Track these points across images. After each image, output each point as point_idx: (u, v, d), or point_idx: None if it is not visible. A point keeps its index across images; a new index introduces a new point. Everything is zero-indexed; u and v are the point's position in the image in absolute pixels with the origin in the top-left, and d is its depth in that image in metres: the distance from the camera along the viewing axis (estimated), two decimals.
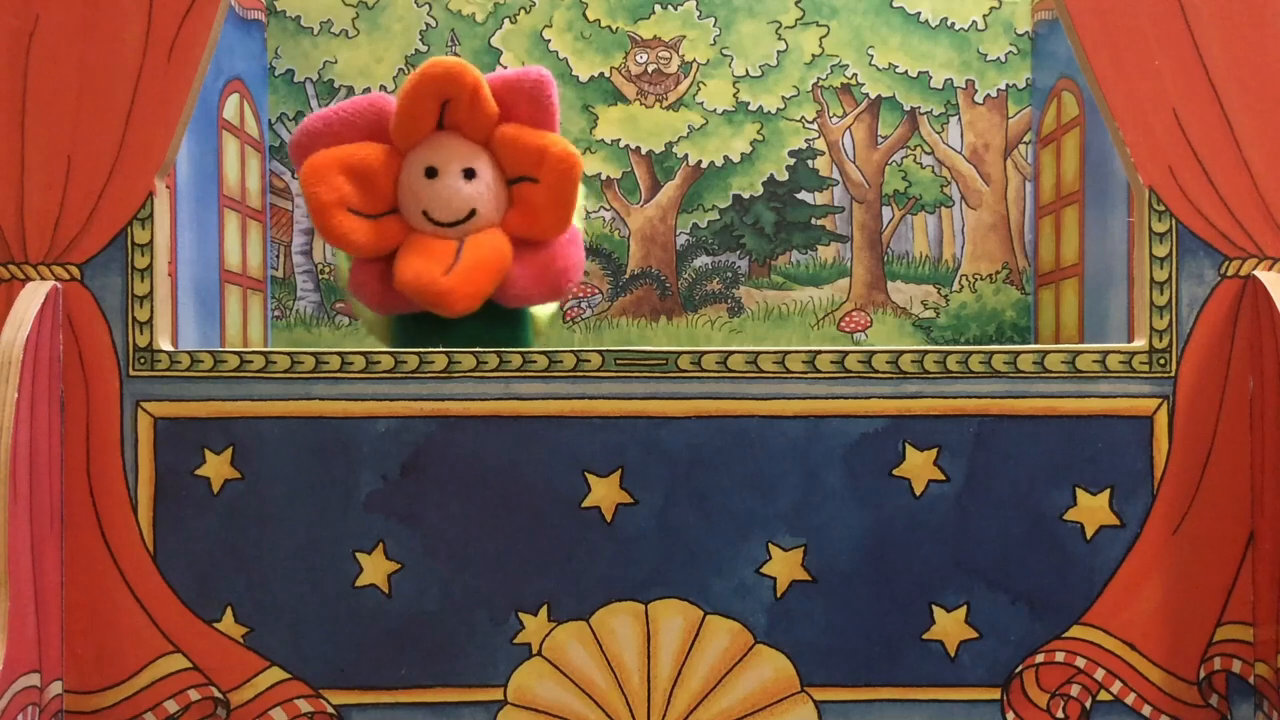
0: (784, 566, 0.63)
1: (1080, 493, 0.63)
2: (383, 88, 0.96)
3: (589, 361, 0.63)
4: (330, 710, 0.63)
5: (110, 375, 0.63)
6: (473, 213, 0.68)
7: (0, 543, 0.57)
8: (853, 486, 0.63)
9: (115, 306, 0.63)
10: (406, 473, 0.63)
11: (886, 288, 0.97)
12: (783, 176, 0.97)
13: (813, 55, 0.97)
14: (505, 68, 0.96)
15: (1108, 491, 0.63)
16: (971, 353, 0.63)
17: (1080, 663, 0.63)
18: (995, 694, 0.63)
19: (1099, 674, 0.63)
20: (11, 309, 0.61)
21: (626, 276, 0.97)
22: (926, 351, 0.63)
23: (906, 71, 0.97)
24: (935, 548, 0.63)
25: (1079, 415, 0.63)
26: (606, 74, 0.97)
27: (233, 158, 0.88)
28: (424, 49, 0.96)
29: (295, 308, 0.97)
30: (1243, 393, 0.63)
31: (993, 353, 0.63)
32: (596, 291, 0.97)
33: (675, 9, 0.97)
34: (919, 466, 0.63)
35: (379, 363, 0.63)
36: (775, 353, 0.63)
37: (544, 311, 0.76)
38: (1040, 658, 0.63)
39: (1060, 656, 0.63)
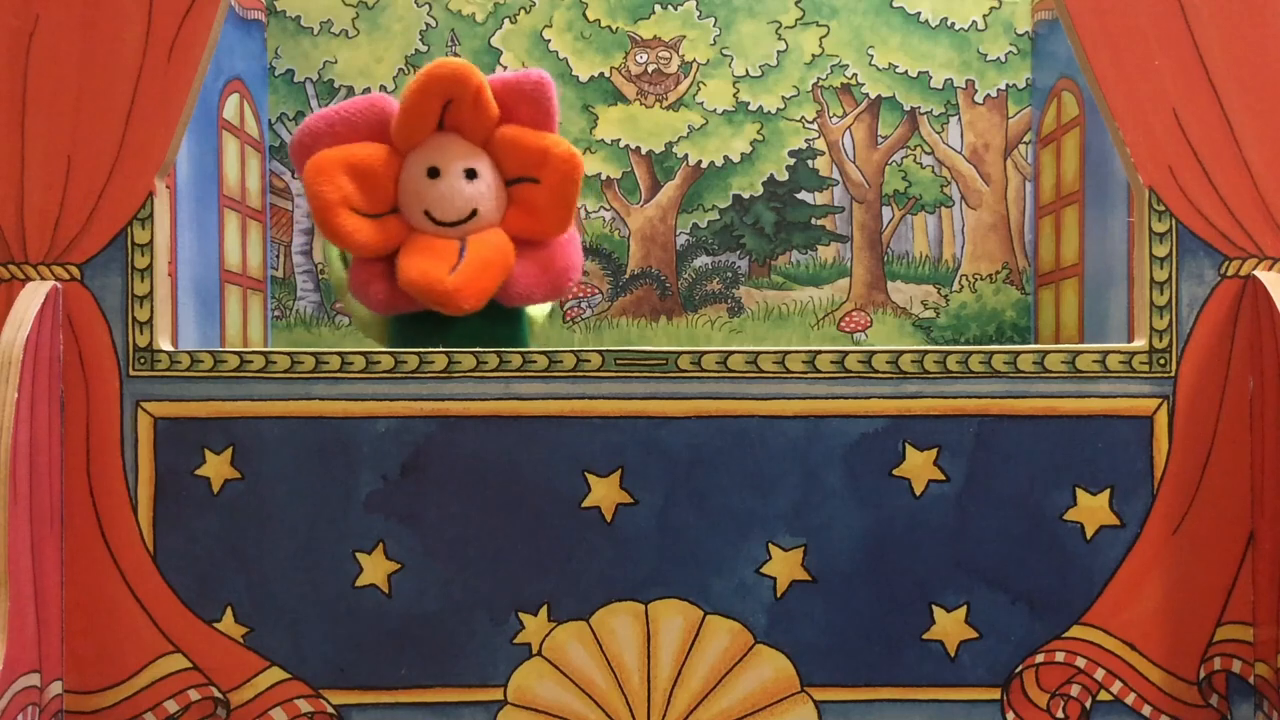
0: (784, 566, 0.63)
1: (1080, 493, 0.63)
2: (383, 88, 0.96)
3: (589, 361, 0.63)
4: (330, 710, 0.63)
5: (110, 375, 0.63)
6: (474, 212, 0.68)
7: (0, 543, 0.57)
8: (853, 486, 0.63)
9: (115, 306, 0.63)
10: (406, 473, 0.63)
11: (886, 288, 0.97)
12: (783, 176, 0.97)
13: (813, 55, 0.97)
14: (505, 68, 0.96)
15: (1108, 491, 0.63)
16: (971, 353, 0.63)
17: (1080, 663, 0.63)
18: (995, 694, 0.63)
19: (1099, 674, 0.63)
20: (11, 309, 0.61)
21: (626, 276, 0.97)
22: (926, 351, 0.63)
23: (906, 71, 0.97)
24: (935, 548, 0.63)
25: (1079, 415, 0.63)
26: (606, 74, 0.97)
27: (233, 158, 0.88)
28: (424, 49, 0.96)
29: (295, 308, 0.97)
30: (1243, 393, 0.63)
31: (993, 353, 0.63)
32: (596, 291, 0.97)
33: (675, 9, 0.97)
34: (919, 466, 0.63)
35: (379, 363, 0.63)
36: (775, 353, 0.63)
37: (539, 311, 0.76)
38: (1040, 658, 0.63)
39: (1060, 656, 0.63)
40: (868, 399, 0.63)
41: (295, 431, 0.63)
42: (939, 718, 0.63)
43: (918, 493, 0.63)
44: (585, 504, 0.63)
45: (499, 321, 0.70)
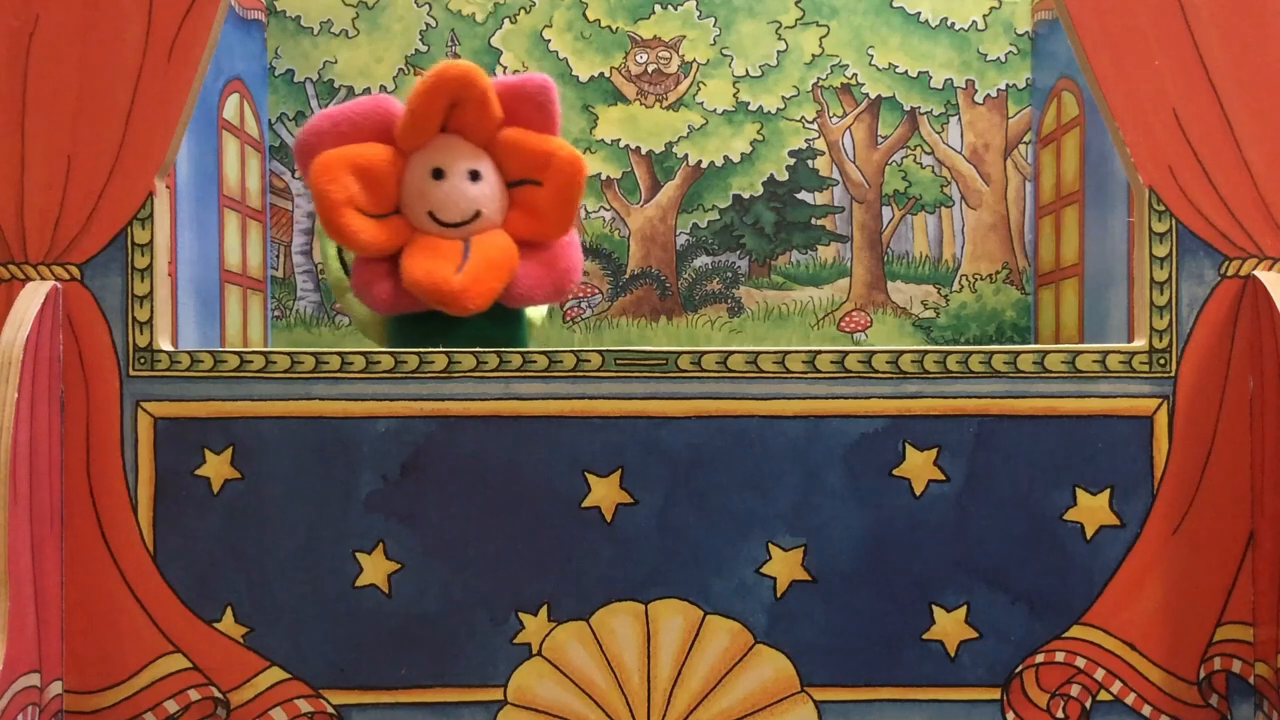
0: (784, 566, 0.63)
1: (1080, 493, 0.63)
2: (383, 88, 0.96)
3: (589, 361, 0.63)
4: (330, 710, 0.63)
5: (110, 375, 0.63)
6: (478, 214, 0.68)
7: (0, 543, 0.57)
8: (853, 486, 0.63)
9: (115, 306, 0.63)
10: (406, 473, 0.63)
11: (886, 288, 0.97)
12: (783, 176, 0.97)
13: (813, 55, 0.97)
14: (505, 68, 0.96)
15: (1108, 491, 0.63)
16: (971, 353, 0.63)
17: (1080, 663, 0.63)
18: (995, 694, 0.63)
19: (1099, 674, 0.63)
20: (11, 309, 0.61)
21: (626, 276, 0.97)
22: (926, 351, 0.63)
23: (906, 71, 0.97)
24: (935, 548, 0.63)
25: (1079, 415, 0.63)
26: (606, 74, 0.97)
27: (233, 158, 0.88)
28: (424, 49, 0.96)
29: (295, 308, 0.97)
30: (1243, 393, 0.63)
31: (993, 353, 0.63)
32: (596, 291, 0.97)
33: (675, 9, 0.97)
34: (919, 466, 0.63)
35: (379, 363, 0.63)
36: (775, 353, 0.63)
37: (538, 313, 0.77)
38: (1040, 658, 0.63)
39: (1060, 656, 0.63)
40: (868, 399, 0.63)
41: (295, 431, 0.63)
42: (939, 718, 0.63)
43: (918, 493, 0.63)
44: (585, 504, 0.63)
45: (500, 323, 0.70)
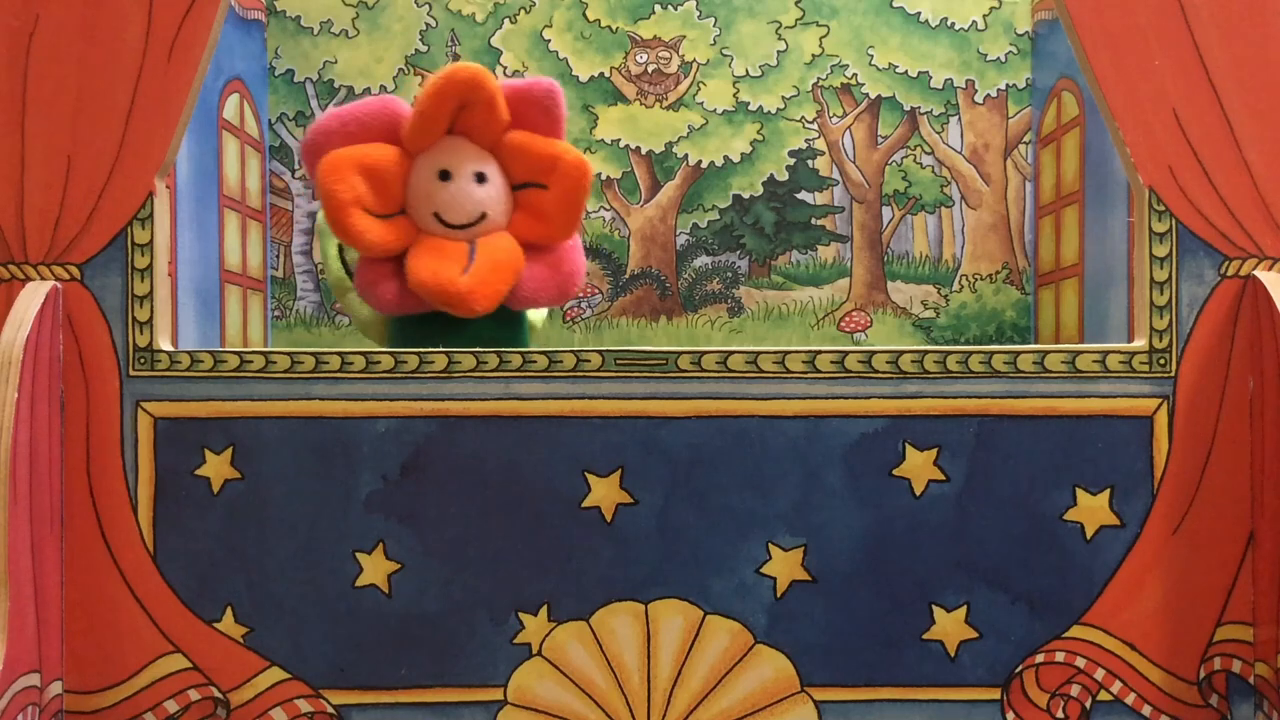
0: (784, 566, 0.63)
1: (1080, 493, 0.63)
2: (383, 88, 0.96)
3: (589, 361, 0.63)
4: (330, 710, 0.63)
5: (110, 375, 0.63)
6: (483, 216, 0.69)
7: (0, 543, 0.57)
8: (853, 486, 0.63)
9: (115, 306, 0.63)
10: (406, 473, 0.63)
11: (886, 288, 0.97)
12: (783, 176, 0.97)
13: (813, 55, 0.97)
14: (505, 68, 0.96)
15: (1108, 491, 0.63)
16: (971, 353, 0.63)
17: (1080, 663, 0.63)
18: (995, 694, 0.63)
19: (1099, 674, 0.63)
20: (11, 309, 0.61)
21: (626, 276, 0.97)
22: (926, 351, 0.63)
23: (906, 71, 0.97)
24: (935, 548, 0.63)
25: (1079, 415, 0.63)
26: (606, 74, 0.97)
27: (233, 158, 0.88)
28: (424, 49, 0.96)
29: (295, 308, 0.97)
30: (1243, 393, 0.63)
31: (993, 353, 0.63)
32: (596, 291, 0.97)
33: (675, 9, 0.97)
34: (919, 466, 0.63)
35: (379, 363, 0.63)
36: (775, 353, 0.63)
37: (538, 315, 0.77)
38: (1040, 658, 0.63)
39: (1060, 656, 0.63)
40: (868, 399, 0.63)
41: (295, 431, 0.63)
42: (939, 718, 0.63)
43: (918, 493, 0.63)
44: (585, 504, 0.63)
45: (502, 325, 0.71)
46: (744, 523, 0.63)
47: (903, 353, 0.63)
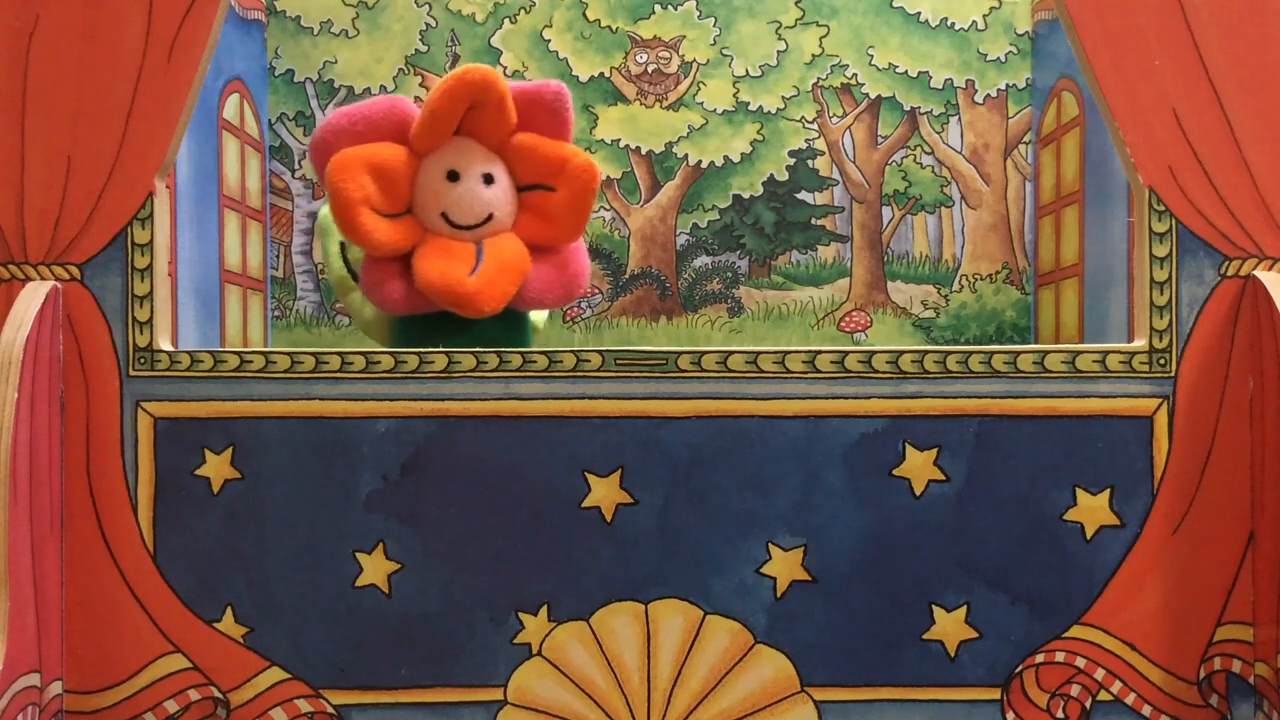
0: (784, 566, 0.63)
1: (1080, 493, 0.63)
2: (383, 88, 0.96)
3: (589, 361, 0.63)
4: (330, 710, 0.63)
5: (110, 375, 0.63)
6: (490, 217, 0.69)
7: (0, 543, 0.57)
8: (853, 486, 0.63)
9: (115, 306, 0.63)
10: (406, 473, 0.63)
11: (886, 288, 0.97)
12: (783, 176, 0.97)
13: (813, 55, 0.97)
14: (505, 69, 0.96)
15: (1108, 491, 0.63)
16: (971, 353, 0.63)
17: (1080, 663, 0.63)
18: (995, 694, 0.63)
19: (1099, 674, 0.63)
20: (11, 309, 0.61)
21: (626, 276, 0.97)
22: (926, 351, 0.63)
23: (906, 71, 0.97)
24: (935, 548, 0.63)
25: (1079, 415, 0.63)
26: (606, 74, 0.97)
27: (233, 158, 0.88)
28: (424, 49, 0.96)
29: (295, 308, 0.97)
30: (1243, 393, 0.63)
31: (993, 353, 0.63)
32: (596, 291, 0.97)
33: (675, 9, 0.97)
34: (919, 466, 0.63)
35: (379, 363, 0.63)
36: (775, 353, 0.63)
37: (540, 316, 0.77)
38: (1040, 658, 0.63)
39: (1060, 656, 0.63)
40: (868, 399, 0.63)
41: (295, 431, 0.63)
42: (939, 718, 0.63)
43: (918, 493, 0.63)
44: (585, 504, 0.63)
45: (507, 325, 0.71)
46: (744, 523, 0.63)
47: (903, 353, 0.63)
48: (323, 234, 0.77)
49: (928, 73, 0.97)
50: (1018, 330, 0.96)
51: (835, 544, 0.63)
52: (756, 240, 0.97)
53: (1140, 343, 0.63)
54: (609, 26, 0.97)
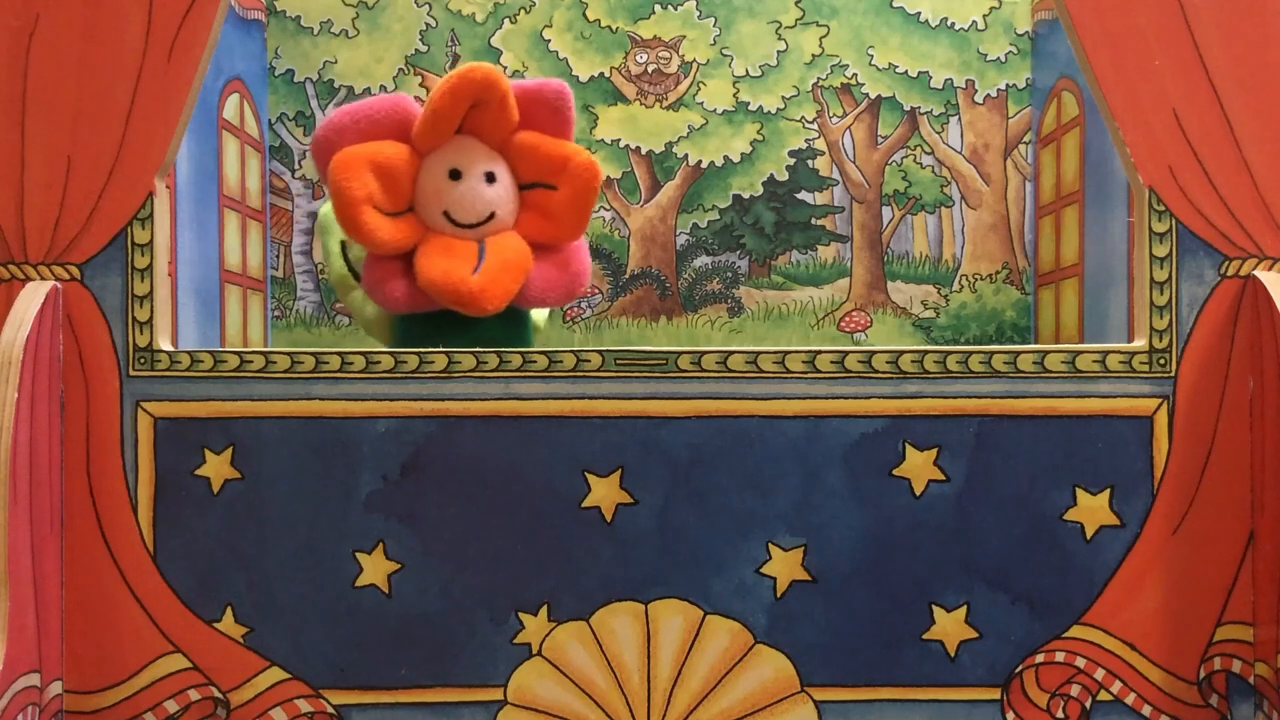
0: (784, 566, 0.63)
1: (1080, 493, 0.63)
2: (383, 88, 0.96)
3: (589, 361, 0.63)
4: (330, 710, 0.63)
5: (110, 375, 0.63)
6: (492, 215, 0.69)
7: (0, 543, 0.57)
8: (853, 486, 0.63)
9: (115, 306, 0.63)
10: (406, 473, 0.63)
11: (886, 288, 0.97)
12: (783, 176, 0.97)
13: (813, 55, 0.97)
14: (505, 68, 0.96)
15: (1108, 491, 0.63)
16: (971, 353, 0.63)
17: (1080, 663, 0.63)
18: (995, 694, 0.63)
19: (1099, 674, 0.63)
20: (11, 309, 0.61)
21: (626, 276, 0.97)
22: (926, 351, 0.63)
23: (906, 71, 0.97)
24: (935, 548, 0.63)
25: (1079, 415, 0.63)
26: (606, 74, 0.97)
27: (233, 158, 0.88)
28: (424, 49, 0.96)
29: (295, 308, 0.97)
30: (1243, 393, 0.63)
31: (993, 353, 0.63)
32: (596, 291, 0.97)
33: (675, 9, 0.97)
34: (919, 466, 0.63)
35: (379, 363, 0.63)
36: (775, 353, 0.63)
37: (541, 315, 0.77)
38: (1040, 658, 0.63)
39: (1060, 656, 0.63)
40: (868, 399, 0.63)
41: (295, 431, 0.63)
42: (939, 718, 0.63)
43: (918, 493, 0.63)
44: (585, 504, 0.63)
45: (509, 324, 0.71)
46: (744, 523, 0.63)
47: (903, 353, 0.63)
48: (324, 232, 0.77)
49: (928, 73, 0.97)
50: (1018, 330, 0.96)
51: (835, 544, 0.63)
52: (756, 240, 0.97)
53: (1140, 343, 0.63)
54: (609, 26, 0.97)
